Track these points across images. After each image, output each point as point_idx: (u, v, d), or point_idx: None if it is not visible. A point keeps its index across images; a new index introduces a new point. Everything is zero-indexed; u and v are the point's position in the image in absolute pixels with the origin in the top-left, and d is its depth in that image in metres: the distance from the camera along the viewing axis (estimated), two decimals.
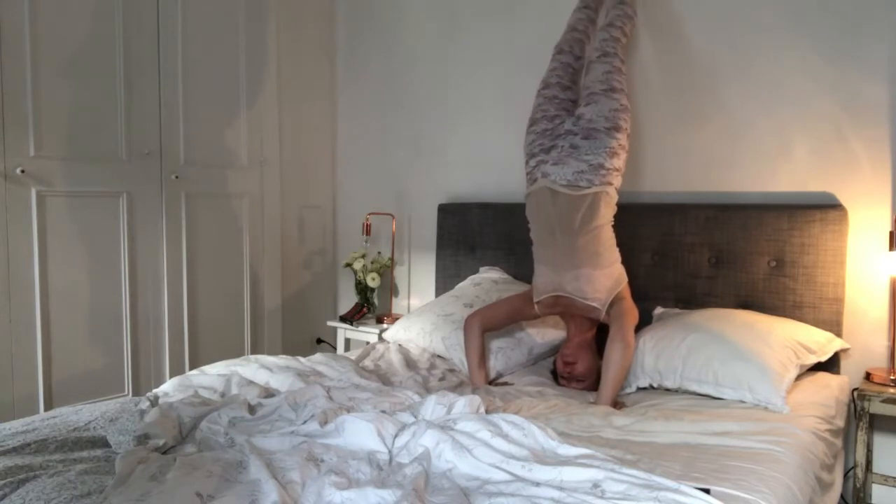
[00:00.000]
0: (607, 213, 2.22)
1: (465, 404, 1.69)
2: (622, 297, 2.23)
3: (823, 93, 2.39)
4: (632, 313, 2.20)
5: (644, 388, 2.20)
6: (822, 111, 2.40)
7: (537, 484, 1.33)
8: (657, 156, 2.73)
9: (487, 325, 2.38)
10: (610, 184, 2.21)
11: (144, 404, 1.83)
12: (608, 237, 2.22)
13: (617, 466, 1.38)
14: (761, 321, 2.19)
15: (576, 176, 2.19)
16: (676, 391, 2.13)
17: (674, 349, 2.12)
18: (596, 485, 1.32)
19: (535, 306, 2.31)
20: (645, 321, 2.47)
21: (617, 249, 2.25)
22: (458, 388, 2.23)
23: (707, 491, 1.31)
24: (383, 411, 1.70)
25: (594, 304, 2.19)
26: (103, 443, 1.61)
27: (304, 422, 1.65)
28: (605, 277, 2.19)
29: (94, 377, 2.76)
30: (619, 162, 2.24)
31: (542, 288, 2.26)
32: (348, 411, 1.70)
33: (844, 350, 2.31)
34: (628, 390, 2.19)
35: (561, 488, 1.31)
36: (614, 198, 2.24)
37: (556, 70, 2.49)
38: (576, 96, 2.47)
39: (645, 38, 2.73)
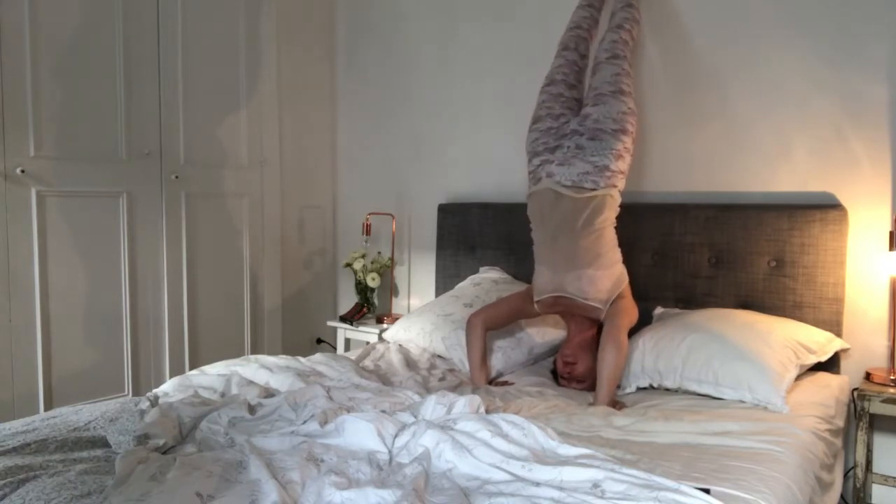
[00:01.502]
0: (610, 215, 2.22)
1: (465, 404, 1.69)
2: (622, 296, 2.23)
3: (823, 93, 2.39)
4: (629, 313, 2.20)
5: (644, 388, 2.20)
6: (822, 111, 2.40)
7: (537, 484, 1.33)
8: (657, 156, 2.73)
9: (490, 324, 2.37)
10: (614, 186, 2.21)
11: (144, 404, 1.83)
12: (610, 238, 2.23)
13: (617, 466, 1.38)
14: (761, 321, 2.19)
15: (581, 177, 2.19)
16: (676, 391, 2.13)
17: (674, 349, 2.12)
18: (596, 485, 1.32)
19: (535, 305, 2.31)
20: (645, 321, 2.47)
21: (619, 250, 2.25)
22: (457, 388, 2.23)
23: (707, 491, 1.31)
24: (383, 411, 1.70)
25: (596, 305, 2.19)
26: (103, 443, 1.61)
27: (304, 422, 1.65)
28: (606, 278, 2.19)
29: (94, 377, 2.76)
30: (624, 165, 2.24)
31: (543, 288, 2.26)
32: (348, 411, 1.70)
33: (844, 350, 2.31)
34: (628, 390, 2.19)
35: (561, 488, 1.31)
36: (618, 200, 2.24)
37: (561, 67, 2.47)
38: (580, 95, 2.46)
39: (646, 39, 2.73)
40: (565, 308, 2.28)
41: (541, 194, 2.27)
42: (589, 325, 2.31)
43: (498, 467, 1.40)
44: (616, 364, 2.06)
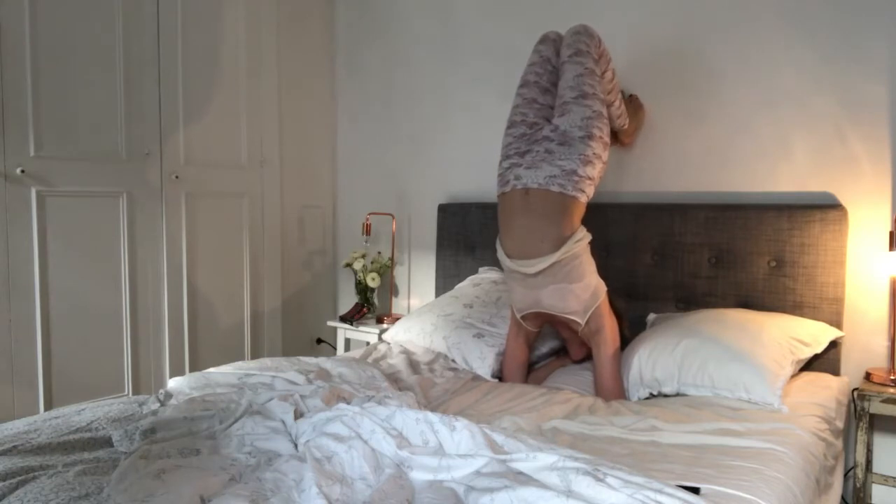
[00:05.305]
0: (578, 221, 2.18)
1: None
2: (601, 314, 2.18)
3: (823, 92, 2.39)
4: (611, 333, 2.18)
5: (645, 398, 2.18)
6: (822, 111, 2.40)
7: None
8: (657, 155, 2.73)
9: (521, 360, 2.36)
10: (582, 191, 2.15)
11: (154, 404, 1.83)
12: (583, 248, 2.18)
13: (592, 468, 1.31)
14: (753, 319, 2.17)
15: (548, 180, 2.14)
16: (675, 396, 2.12)
17: (668, 355, 2.10)
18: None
19: (523, 322, 2.29)
20: (640, 326, 2.47)
21: (593, 261, 2.21)
22: (461, 388, 2.23)
23: (697, 490, 1.31)
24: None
25: (574, 318, 2.17)
26: (105, 443, 1.61)
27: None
28: (581, 290, 2.15)
29: (94, 377, 2.76)
30: (594, 171, 2.17)
31: (520, 304, 2.24)
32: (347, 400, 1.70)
33: (840, 339, 2.29)
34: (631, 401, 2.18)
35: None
36: (583, 207, 2.19)
37: (534, 65, 2.39)
38: (553, 101, 2.38)
39: (644, 38, 2.73)
40: (549, 319, 2.27)
41: (509, 195, 2.23)
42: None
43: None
44: (616, 394, 2.15)
